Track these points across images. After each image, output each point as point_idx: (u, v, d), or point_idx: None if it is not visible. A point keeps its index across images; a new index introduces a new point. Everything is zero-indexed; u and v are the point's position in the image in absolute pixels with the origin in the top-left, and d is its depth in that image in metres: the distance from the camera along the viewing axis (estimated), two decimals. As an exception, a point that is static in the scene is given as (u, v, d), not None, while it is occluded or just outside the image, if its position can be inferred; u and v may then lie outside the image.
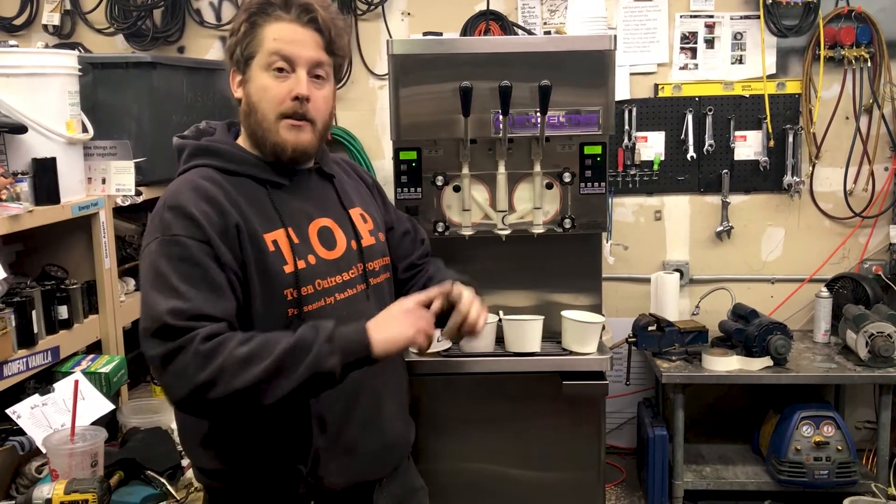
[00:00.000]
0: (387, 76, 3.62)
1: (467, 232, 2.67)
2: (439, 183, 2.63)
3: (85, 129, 2.60)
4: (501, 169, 2.62)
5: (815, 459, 3.29)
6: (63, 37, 3.83)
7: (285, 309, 1.67)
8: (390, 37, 3.75)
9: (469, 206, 2.65)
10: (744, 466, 3.51)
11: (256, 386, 1.52)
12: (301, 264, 1.68)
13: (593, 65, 2.59)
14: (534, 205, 2.64)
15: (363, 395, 1.73)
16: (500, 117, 2.53)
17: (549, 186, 2.66)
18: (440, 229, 2.66)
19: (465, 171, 2.63)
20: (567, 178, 2.62)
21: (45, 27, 3.80)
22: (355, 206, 1.84)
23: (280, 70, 1.68)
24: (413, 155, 2.63)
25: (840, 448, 3.30)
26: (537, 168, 2.63)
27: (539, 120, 2.54)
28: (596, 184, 2.64)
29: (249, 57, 1.71)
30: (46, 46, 3.55)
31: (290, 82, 1.68)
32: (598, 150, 2.62)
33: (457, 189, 2.65)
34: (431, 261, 2.05)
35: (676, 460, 3.36)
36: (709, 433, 3.76)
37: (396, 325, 1.62)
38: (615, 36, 2.57)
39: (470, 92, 2.45)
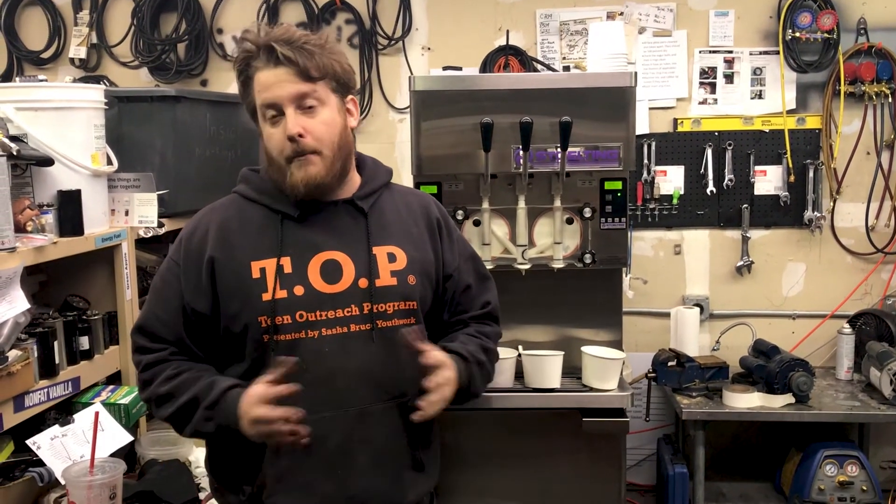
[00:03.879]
0: (406, 110, 3.70)
1: (487, 266, 2.66)
2: (459, 217, 2.63)
3: (109, 162, 2.63)
4: (521, 204, 2.63)
5: (839, 500, 3.24)
6: (89, 70, 3.89)
7: (260, 335, 1.72)
8: (410, 71, 3.79)
9: (489, 240, 2.65)
10: (766, 505, 3.46)
11: (170, 421, 1.79)
12: (282, 294, 1.72)
13: (614, 101, 2.59)
14: (554, 240, 2.64)
15: (330, 442, 1.72)
16: (521, 152, 2.54)
17: (570, 221, 2.66)
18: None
19: (486, 205, 2.64)
20: (587, 213, 2.62)
21: (72, 60, 3.86)
22: (386, 244, 1.81)
23: (273, 117, 1.73)
24: (433, 189, 2.64)
25: (865, 488, 3.24)
26: (557, 203, 2.63)
27: (559, 155, 2.55)
28: (616, 219, 2.64)
29: (253, 112, 1.79)
30: (74, 80, 3.63)
31: (284, 125, 1.72)
32: (618, 185, 2.62)
33: (477, 223, 2.65)
34: (476, 329, 1.96)
35: (697, 499, 3.30)
36: (730, 471, 3.71)
37: (246, 427, 1.67)
38: (636, 73, 2.57)
39: (491, 128, 2.46)
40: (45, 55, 3.88)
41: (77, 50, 3.84)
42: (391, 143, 3.84)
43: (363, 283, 1.76)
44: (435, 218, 1.93)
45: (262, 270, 1.73)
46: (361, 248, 1.79)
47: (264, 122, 1.75)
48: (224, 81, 3.86)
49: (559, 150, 2.54)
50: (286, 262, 1.74)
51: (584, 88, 2.59)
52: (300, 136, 1.70)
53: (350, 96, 1.83)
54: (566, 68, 3.73)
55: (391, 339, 1.77)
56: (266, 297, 1.72)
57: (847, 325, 3.54)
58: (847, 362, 3.51)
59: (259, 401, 1.64)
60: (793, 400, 3.23)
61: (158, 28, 3.83)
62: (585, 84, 2.60)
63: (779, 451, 3.59)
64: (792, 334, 3.75)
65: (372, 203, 1.84)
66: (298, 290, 1.73)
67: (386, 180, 1.92)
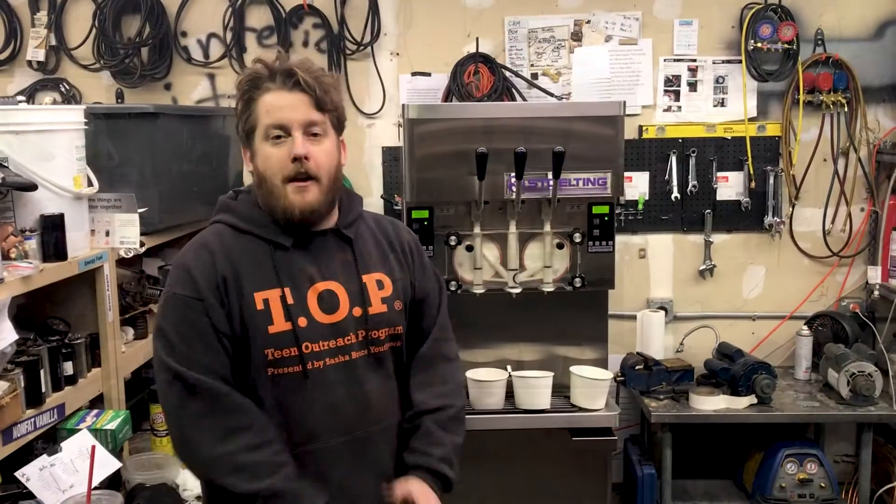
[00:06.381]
0: (376, 115, 3.70)
1: (478, 290, 2.70)
2: (452, 242, 2.66)
3: (90, 183, 2.57)
4: (513, 229, 2.66)
5: (799, 496, 3.38)
6: (47, 72, 3.76)
7: (266, 367, 1.72)
8: (379, 76, 3.77)
9: (480, 264, 2.68)
10: (729, 503, 3.58)
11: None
12: (287, 326, 1.72)
13: (604, 129, 2.64)
14: (544, 263, 2.69)
15: (340, 467, 1.76)
16: (514, 180, 2.57)
17: (560, 246, 2.70)
18: (452, 287, 2.69)
19: (477, 230, 2.67)
20: (577, 237, 2.67)
21: (30, 63, 3.73)
22: (373, 272, 1.84)
23: (277, 137, 1.73)
24: (425, 214, 2.65)
25: (823, 485, 3.39)
26: (547, 228, 2.68)
27: (551, 183, 2.58)
28: (604, 242, 2.70)
29: (250, 131, 1.77)
30: (36, 84, 3.51)
31: (288, 145, 1.72)
32: (605, 209, 2.68)
33: (469, 249, 2.68)
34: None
35: (665, 498, 3.41)
36: (692, 469, 3.82)
37: None
38: (624, 102, 2.62)
39: (486, 157, 2.49)
40: (1, 57, 3.74)
41: (35, 52, 3.71)
42: (360, 148, 3.82)
43: (357, 311, 1.78)
44: (407, 242, 1.96)
45: (266, 301, 1.73)
46: (352, 277, 1.81)
47: (263, 142, 1.74)
48: (188, 85, 3.79)
49: (551, 177, 2.58)
50: (287, 293, 1.74)
51: (575, 117, 2.63)
52: (306, 158, 1.71)
53: (342, 137, 1.85)
54: (534, 75, 3.76)
55: (384, 364, 1.82)
56: (273, 329, 1.72)
57: (805, 328, 3.67)
58: (805, 363, 3.64)
59: None
60: (756, 401, 3.34)
61: (121, 30, 3.72)
62: (576, 113, 2.65)
63: (740, 449, 3.71)
64: (752, 335, 3.88)
65: (355, 231, 1.86)
66: (302, 322, 1.73)
67: (360, 209, 1.94)
